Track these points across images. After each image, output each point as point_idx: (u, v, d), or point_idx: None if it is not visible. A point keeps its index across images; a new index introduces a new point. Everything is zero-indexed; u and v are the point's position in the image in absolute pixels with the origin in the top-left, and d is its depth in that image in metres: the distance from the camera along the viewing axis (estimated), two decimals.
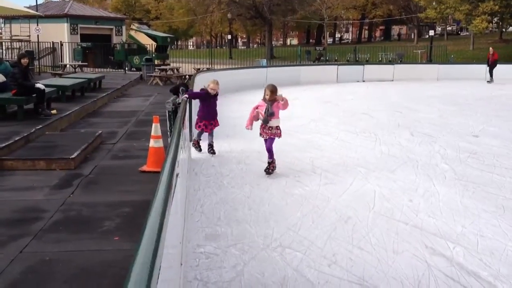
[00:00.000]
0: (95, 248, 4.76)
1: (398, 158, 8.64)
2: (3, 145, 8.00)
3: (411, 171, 7.77)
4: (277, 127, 7.38)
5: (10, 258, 4.47)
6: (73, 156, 7.75)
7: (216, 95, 8.72)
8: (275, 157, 7.54)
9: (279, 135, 7.42)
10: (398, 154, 8.98)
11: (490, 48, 26.12)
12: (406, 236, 5.19)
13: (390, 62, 32.84)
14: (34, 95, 11.00)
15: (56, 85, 13.60)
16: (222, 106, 11.86)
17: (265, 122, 7.31)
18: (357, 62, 32.01)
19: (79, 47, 33.28)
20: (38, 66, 26.94)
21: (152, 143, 7.73)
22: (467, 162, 8.40)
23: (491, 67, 25.15)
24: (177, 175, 4.24)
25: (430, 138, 10.42)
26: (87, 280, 4.09)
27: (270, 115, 7.27)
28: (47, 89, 11.60)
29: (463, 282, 4.20)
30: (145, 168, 7.61)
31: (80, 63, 28.75)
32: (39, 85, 11.29)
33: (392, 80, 25.37)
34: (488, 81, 25.15)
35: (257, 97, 7.93)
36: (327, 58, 41.65)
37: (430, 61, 34.22)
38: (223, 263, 4.55)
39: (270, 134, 7.35)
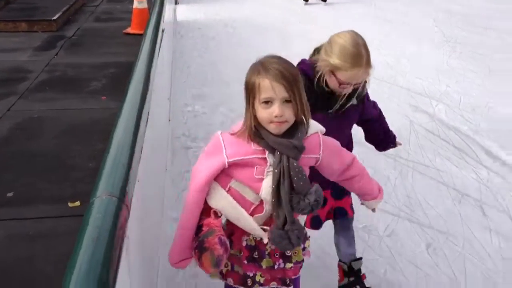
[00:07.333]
0: (83, 107, 4.78)
1: (393, 23, 8.48)
2: None
3: (401, 34, 7.67)
4: (306, 234, 1.83)
5: None
6: (55, 18, 7.51)
7: None
8: None
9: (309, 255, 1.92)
10: (394, 18, 8.80)
11: None
12: (392, 95, 5.24)
13: None
14: None
15: None
16: None
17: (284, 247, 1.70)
18: None
19: None
20: None
21: (136, 4, 7.46)
22: (457, 25, 8.27)
23: None
24: (163, 31, 4.16)
25: (423, 1, 10.17)
26: (75, 135, 4.14)
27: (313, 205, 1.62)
28: None
29: (442, 136, 4.33)
30: (129, 30, 7.43)
31: None
32: None
33: None
34: None
35: None
36: None
37: None
38: (210, 120, 4.63)
39: (296, 269, 1.84)
